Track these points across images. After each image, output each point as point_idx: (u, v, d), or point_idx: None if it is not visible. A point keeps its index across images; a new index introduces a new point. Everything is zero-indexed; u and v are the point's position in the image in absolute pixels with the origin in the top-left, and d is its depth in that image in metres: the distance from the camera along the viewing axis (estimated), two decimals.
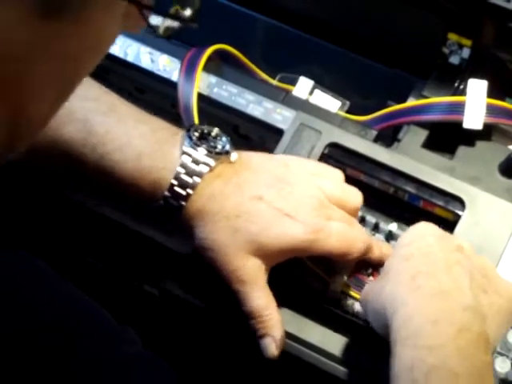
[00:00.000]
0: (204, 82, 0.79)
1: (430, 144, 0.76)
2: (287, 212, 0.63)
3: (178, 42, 0.83)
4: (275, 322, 0.64)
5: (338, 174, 0.70)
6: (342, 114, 0.80)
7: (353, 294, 0.67)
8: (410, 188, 0.72)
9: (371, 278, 0.68)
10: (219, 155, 0.65)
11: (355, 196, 0.69)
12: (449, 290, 0.57)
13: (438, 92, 0.78)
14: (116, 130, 0.65)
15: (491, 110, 0.74)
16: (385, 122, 0.78)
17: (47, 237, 0.73)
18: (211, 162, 0.65)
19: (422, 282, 0.57)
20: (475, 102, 0.73)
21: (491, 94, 0.74)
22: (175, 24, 0.50)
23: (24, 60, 0.40)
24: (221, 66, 0.80)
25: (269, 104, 0.77)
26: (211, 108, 0.79)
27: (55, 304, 0.46)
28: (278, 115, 0.77)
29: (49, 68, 0.42)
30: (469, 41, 0.78)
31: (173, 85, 0.79)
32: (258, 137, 0.80)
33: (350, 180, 0.74)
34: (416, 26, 0.83)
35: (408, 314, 0.56)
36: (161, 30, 0.42)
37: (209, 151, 0.65)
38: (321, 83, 0.82)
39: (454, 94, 0.78)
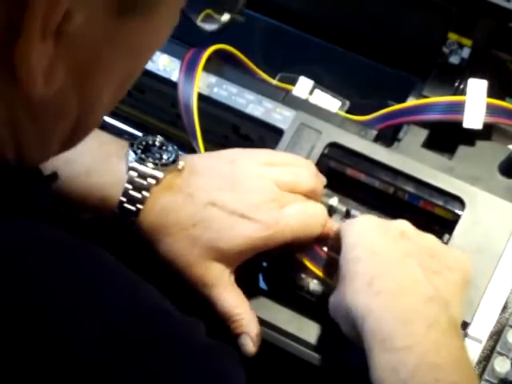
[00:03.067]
0: (204, 82, 0.79)
1: (430, 144, 0.76)
2: (240, 213, 0.64)
3: (178, 41, 0.83)
4: (248, 320, 0.65)
5: (287, 159, 0.70)
6: (342, 113, 0.80)
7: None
8: (410, 188, 0.72)
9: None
10: (166, 166, 0.65)
11: (307, 178, 0.68)
12: (407, 286, 0.59)
13: (437, 92, 0.78)
14: None
15: (491, 110, 0.74)
16: (385, 121, 0.78)
17: None
18: (158, 174, 0.64)
19: (379, 286, 0.59)
20: (475, 102, 0.73)
21: (491, 93, 0.74)
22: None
23: (98, 54, 0.42)
24: (221, 65, 0.80)
25: (269, 104, 0.77)
26: (211, 108, 0.79)
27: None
28: (277, 115, 0.77)
29: (117, 62, 0.44)
30: (469, 40, 0.78)
31: (173, 85, 0.79)
32: (257, 137, 0.80)
33: (349, 180, 0.74)
34: (416, 25, 0.83)
35: (376, 319, 0.58)
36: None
37: (155, 164, 0.64)
38: (321, 83, 0.82)
39: (453, 94, 0.78)
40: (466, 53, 0.79)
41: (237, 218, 0.64)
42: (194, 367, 0.44)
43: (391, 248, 0.62)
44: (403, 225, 0.65)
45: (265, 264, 0.71)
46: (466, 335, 0.65)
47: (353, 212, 0.72)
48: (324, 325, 0.67)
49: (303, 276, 0.69)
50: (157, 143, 0.67)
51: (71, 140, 0.48)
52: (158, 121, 0.87)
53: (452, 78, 0.79)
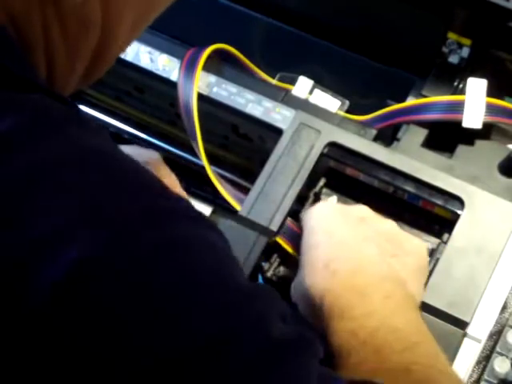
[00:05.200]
0: (203, 82, 0.79)
1: (430, 143, 0.76)
2: None
3: (177, 41, 0.83)
4: None
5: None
6: (342, 113, 0.80)
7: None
8: (410, 187, 0.72)
9: None
10: None
11: None
12: (363, 267, 0.60)
13: (437, 91, 0.78)
14: None
15: (491, 109, 0.74)
16: (384, 121, 0.78)
17: None
18: None
19: (336, 267, 0.60)
20: (475, 101, 0.73)
21: (491, 93, 0.74)
22: None
23: None
24: (220, 65, 0.80)
25: (268, 103, 0.77)
26: (210, 107, 0.79)
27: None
28: (277, 114, 0.76)
29: None
30: (468, 40, 0.78)
31: (172, 84, 0.79)
32: (257, 136, 0.80)
33: (349, 179, 0.74)
34: (415, 25, 0.83)
35: (334, 296, 0.59)
36: None
37: None
38: (320, 82, 0.82)
39: (453, 93, 0.78)
40: (465, 52, 0.79)
41: None
42: None
43: (349, 233, 0.63)
44: (363, 210, 0.66)
45: (264, 264, 0.71)
46: (465, 335, 0.65)
47: None
48: None
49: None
50: None
51: (92, 68, 0.49)
52: (158, 120, 0.87)
53: (451, 78, 0.79)
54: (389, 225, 0.66)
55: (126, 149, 0.70)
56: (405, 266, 0.63)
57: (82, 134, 0.42)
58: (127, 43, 0.51)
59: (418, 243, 0.66)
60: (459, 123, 0.73)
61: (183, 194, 0.72)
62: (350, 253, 0.61)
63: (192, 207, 0.46)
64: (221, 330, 0.39)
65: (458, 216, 0.69)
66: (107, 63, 0.50)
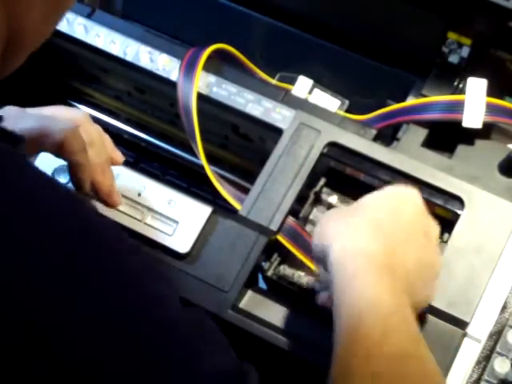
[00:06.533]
0: (203, 82, 0.79)
1: (430, 143, 0.76)
2: None
3: (177, 41, 0.83)
4: None
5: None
6: (342, 113, 0.80)
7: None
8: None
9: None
10: None
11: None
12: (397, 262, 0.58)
13: (437, 91, 0.78)
14: None
15: (491, 109, 0.74)
16: (384, 121, 0.78)
17: None
18: None
19: (349, 215, 0.60)
20: (475, 101, 0.73)
21: (491, 92, 0.74)
22: None
23: None
24: (220, 65, 0.80)
25: (268, 103, 0.77)
26: (210, 107, 0.79)
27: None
28: (277, 114, 0.76)
29: None
30: (468, 40, 0.78)
31: (172, 84, 0.79)
32: (257, 136, 0.80)
33: (349, 179, 0.74)
34: (416, 24, 0.83)
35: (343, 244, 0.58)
36: None
37: None
38: (320, 82, 0.82)
39: (453, 93, 0.78)
40: (465, 52, 0.79)
41: None
42: None
43: (408, 232, 0.61)
44: (435, 227, 0.64)
45: (264, 263, 0.71)
46: (465, 335, 0.65)
47: None
48: (324, 323, 0.67)
49: (299, 273, 0.69)
50: None
51: (7, 62, 0.49)
52: (158, 120, 0.87)
53: (451, 77, 0.79)
54: (436, 232, 0.64)
55: (49, 109, 0.69)
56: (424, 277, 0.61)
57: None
58: (44, 33, 0.50)
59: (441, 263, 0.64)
60: (459, 123, 0.74)
61: (118, 154, 0.72)
62: (396, 243, 0.59)
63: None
64: None
65: (458, 216, 0.69)
66: (20, 56, 0.50)
